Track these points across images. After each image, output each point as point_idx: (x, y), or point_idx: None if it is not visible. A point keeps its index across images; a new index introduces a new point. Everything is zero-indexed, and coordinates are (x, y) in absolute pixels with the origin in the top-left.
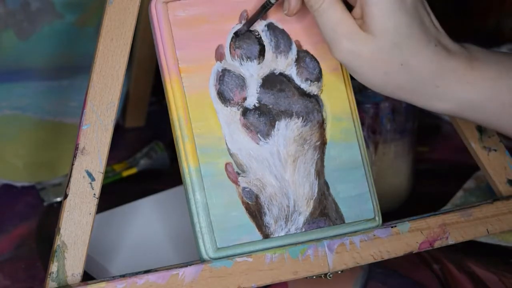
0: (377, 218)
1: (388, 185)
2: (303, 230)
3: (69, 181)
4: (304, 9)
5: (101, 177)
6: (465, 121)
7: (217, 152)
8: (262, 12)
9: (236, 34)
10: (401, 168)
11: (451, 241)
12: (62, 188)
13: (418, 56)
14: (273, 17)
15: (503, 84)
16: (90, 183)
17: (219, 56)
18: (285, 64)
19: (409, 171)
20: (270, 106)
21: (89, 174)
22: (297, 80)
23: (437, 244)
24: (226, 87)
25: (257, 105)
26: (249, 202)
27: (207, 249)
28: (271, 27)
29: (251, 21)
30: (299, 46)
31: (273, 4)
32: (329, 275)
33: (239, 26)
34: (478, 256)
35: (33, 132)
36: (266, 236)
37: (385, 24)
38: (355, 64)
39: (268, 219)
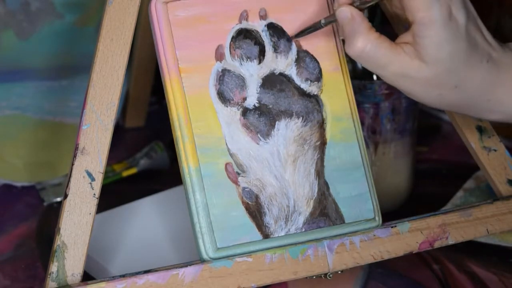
0: (377, 218)
1: (388, 185)
2: (303, 230)
3: (69, 181)
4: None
5: (101, 177)
6: None
7: (217, 152)
8: (310, 31)
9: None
10: (401, 168)
11: (451, 241)
12: (62, 188)
13: (471, 77)
14: (273, 17)
15: None
16: (90, 183)
17: (219, 56)
18: (285, 64)
19: (409, 171)
20: (270, 106)
21: (89, 174)
22: (297, 80)
23: (437, 244)
24: (226, 87)
25: (257, 105)
26: (249, 202)
27: (207, 249)
28: (271, 27)
29: (298, 35)
30: (299, 46)
31: (323, 27)
32: (329, 275)
33: (239, 26)
34: (478, 256)
35: (33, 132)
36: (266, 236)
37: (439, 55)
38: (408, 88)
39: (268, 219)
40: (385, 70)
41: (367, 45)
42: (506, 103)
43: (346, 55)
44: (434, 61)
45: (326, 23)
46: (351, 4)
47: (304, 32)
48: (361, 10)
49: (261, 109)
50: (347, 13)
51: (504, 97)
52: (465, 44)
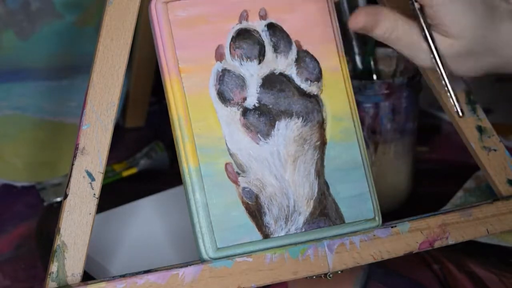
0: (377, 218)
1: (388, 185)
2: (303, 230)
3: (69, 181)
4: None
5: (101, 177)
6: None
7: (217, 152)
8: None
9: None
10: (401, 168)
11: (451, 241)
12: (62, 188)
13: (497, 37)
14: (273, 17)
15: None
16: (90, 183)
17: (219, 56)
18: (285, 64)
19: (409, 171)
20: (270, 106)
21: (89, 174)
22: (297, 80)
23: (437, 244)
24: (226, 87)
25: (257, 105)
26: (249, 202)
27: (207, 249)
28: (271, 27)
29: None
30: (299, 46)
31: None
32: (329, 275)
33: (239, 26)
34: (478, 256)
35: (33, 132)
36: (266, 236)
37: (463, 25)
38: (446, 66)
39: (268, 219)
40: (418, 50)
41: (397, 23)
42: None
43: (346, 55)
44: (461, 32)
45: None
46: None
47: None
48: None
49: (261, 109)
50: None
51: None
52: (482, 7)
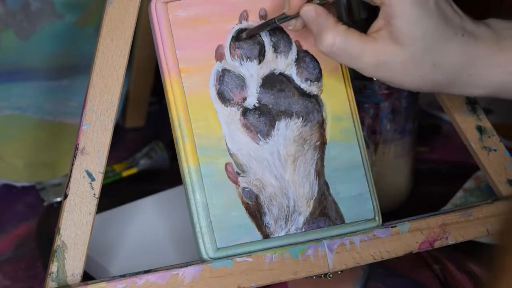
0: (377, 218)
1: (388, 185)
2: (303, 230)
3: (69, 181)
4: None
5: (101, 177)
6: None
7: (217, 152)
8: (264, 27)
9: (237, 39)
10: (401, 168)
11: (451, 241)
12: (62, 188)
13: (448, 53)
14: (273, 17)
15: None
16: (90, 183)
17: (219, 56)
18: (285, 64)
19: (409, 171)
20: (270, 106)
21: (89, 174)
22: (297, 80)
23: (437, 244)
24: (226, 87)
25: (257, 105)
26: (249, 202)
27: (207, 249)
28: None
29: (252, 32)
30: (299, 46)
31: (276, 24)
32: (329, 275)
33: (239, 26)
34: (478, 256)
35: (33, 132)
36: (266, 236)
37: (412, 33)
38: (388, 76)
39: (268, 219)
40: (360, 62)
41: (336, 38)
42: (488, 77)
43: None
44: (409, 40)
45: (280, 21)
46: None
47: (256, 30)
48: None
49: (261, 109)
50: (311, 11)
51: (485, 70)
52: (437, 19)
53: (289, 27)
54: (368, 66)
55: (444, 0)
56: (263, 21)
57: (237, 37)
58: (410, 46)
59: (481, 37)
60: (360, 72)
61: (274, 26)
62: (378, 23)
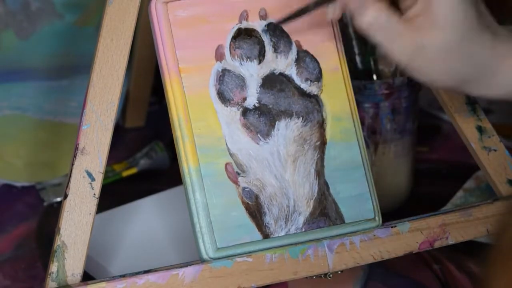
0: (377, 218)
1: (388, 185)
2: (303, 230)
3: (69, 181)
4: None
5: (101, 177)
6: None
7: (217, 152)
8: (300, 14)
9: (269, 27)
10: (401, 168)
11: (451, 241)
12: (62, 188)
13: (481, 44)
14: (273, 17)
15: None
16: (90, 183)
17: (219, 56)
18: (285, 64)
19: (409, 171)
20: (270, 106)
21: (89, 174)
22: (297, 80)
23: (437, 244)
24: (226, 87)
25: (257, 105)
26: (249, 202)
27: (207, 249)
28: (271, 27)
29: (286, 20)
30: (299, 46)
31: (312, 9)
32: (329, 275)
33: (239, 26)
34: (478, 256)
35: (33, 132)
36: (266, 236)
37: (454, 17)
38: (418, 64)
39: (268, 219)
40: (396, 43)
41: (378, 14)
42: (510, 76)
43: (346, 55)
44: (449, 25)
45: (316, 5)
46: None
47: (292, 17)
48: None
49: (261, 109)
50: None
51: (510, 72)
52: (474, 7)
53: (328, 15)
54: (404, 49)
55: None
56: (297, 8)
57: (269, 25)
58: (449, 32)
59: (506, 37)
60: (390, 56)
61: (310, 12)
62: (416, 9)
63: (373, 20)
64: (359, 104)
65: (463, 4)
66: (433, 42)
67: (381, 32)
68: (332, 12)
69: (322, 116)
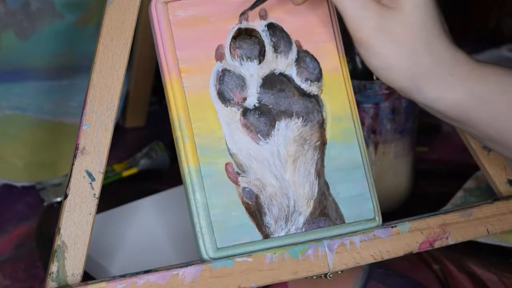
0: (377, 218)
1: (388, 185)
2: (303, 230)
3: (69, 181)
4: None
5: (101, 177)
6: (466, 123)
7: (217, 152)
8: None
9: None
10: (401, 168)
11: (451, 241)
12: (62, 188)
13: (439, 38)
14: (273, 17)
15: (510, 81)
16: (90, 183)
17: (219, 56)
18: (285, 64)
19: (409, 171)
20: (270, 106)
21: (89, 174)
22: (297, 80)
23: (437, 244)
24: (226, 87)
25: (257, 105)
26: (249, 202)
27: (207, 249)
28: (271, 27)
29: (256, 3)
30: (299, 46)
31: None
32: (329, 275)
33: (239, 26)
34: (478, 256)
35: (33, 132)
36: (266, 236)
37: (417, 2)
38: (381, 43)
39: (268, 219)
40: (360, 12)
41: None
42: (468, 80)
43: (346, 55)
44: (411, 6)
45: None
46: None
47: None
48: None
49: (261, 109)
50: None
51: (466, 74)
52: (435, 9)
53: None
54: (368, 21)
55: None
56: None
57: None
58: (411, 12)
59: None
60: (357, 29)
61: None
62: None
63: None
64: (359, 104)
65: None
66: (395, 21)
67: (345, 1)
68: None
69: (322, 116)
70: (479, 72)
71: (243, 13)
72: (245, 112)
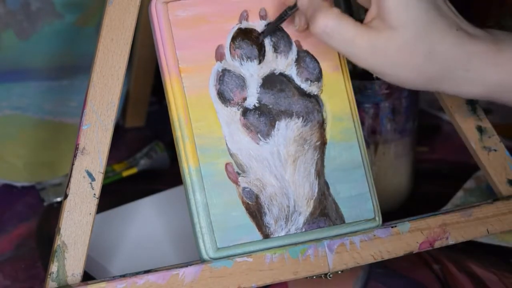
0: (377, 218)
1: (388, 185)
2: (303, 230)
3: (69, 181)
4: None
5: (101, 177)
6: (496, 102)
7: (217, 152)
8: (280, 20)
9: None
10: (401, 168)
11: (451, 241)
12: (62, 188)
13: (442, 42)
14: (273, 17)
15: None
16: (90, 183)
17: (219, 56)
18: (285, 64)
19: (409, 171)
20: (270, 106)
21: (89, 174)
22: (297, 80)
23: (437, 244)
24: (226, 87)
25: (257, 105)
26: (249, 202)
27: (207, 249)
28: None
29: (269, 30)
30: (299, 46)
31: (290, 14)
32: (329, 275)
33: (239, 26)
34: (478, 256)
35: (33, 132)
36: (266, 236)
37: (405, 16)
38: (381, 65)
39: (268, 219)
40: (353, 46)
41: (329, 19)
42: (486, 74)
43: None
44: (402, 24)
45: (291, 12)
46: None
47: (272, 25)
48: None
49: (261, 109)
50: None
51: (483, 67)
52: (427, 5)
53: (295, 26)
54: (362, 51)
55: None
56: (275, 19)
57: (269, 25)
58: (402, 31)
59: (477, 36)
60: (355, 61)
61: (288, 16)
62: (371, 12)
63: (324, 27)
64: (359, 104)
65: (413, 2)
66: (389, 43)
67: (334, 38)
68: (298, 23)
69: (322, 116)
70: (498, 60)
71: (267, 25)
72: (245, 112)
